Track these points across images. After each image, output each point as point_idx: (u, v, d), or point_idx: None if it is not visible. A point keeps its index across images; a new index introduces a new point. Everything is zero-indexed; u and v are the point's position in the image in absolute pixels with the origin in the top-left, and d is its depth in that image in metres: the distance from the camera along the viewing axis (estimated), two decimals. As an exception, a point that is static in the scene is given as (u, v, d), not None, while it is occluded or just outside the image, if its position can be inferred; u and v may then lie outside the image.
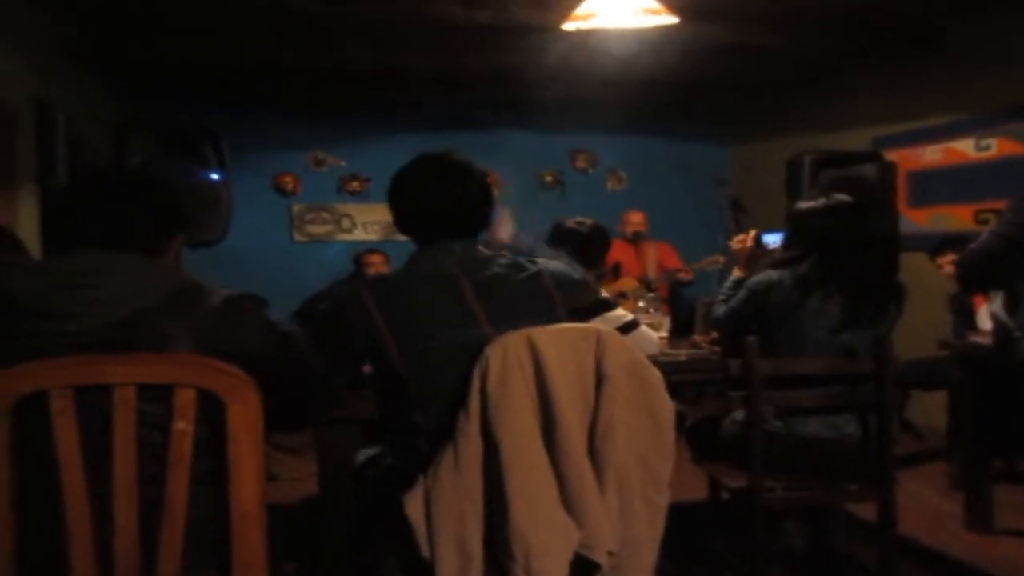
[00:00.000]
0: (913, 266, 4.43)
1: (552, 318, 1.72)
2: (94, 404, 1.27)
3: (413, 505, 1.60)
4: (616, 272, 5.55)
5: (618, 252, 5.58)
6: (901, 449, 3.63)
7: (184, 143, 4.24)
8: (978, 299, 3.88)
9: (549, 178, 6.63)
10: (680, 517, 1.83)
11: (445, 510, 1.57)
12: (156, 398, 1.30)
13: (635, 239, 5.71)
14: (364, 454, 2.04)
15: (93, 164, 3.90)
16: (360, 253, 5.38)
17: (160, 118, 4.84)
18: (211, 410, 1.32)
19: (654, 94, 5.98)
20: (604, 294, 2.64)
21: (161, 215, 1.51)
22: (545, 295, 1.78)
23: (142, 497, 1.29)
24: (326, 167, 6.27)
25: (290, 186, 6.21)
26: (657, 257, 5.69)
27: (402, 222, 1.81)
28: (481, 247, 1.78)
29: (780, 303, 2.37)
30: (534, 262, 1.82)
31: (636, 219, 5.75)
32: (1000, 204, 4.19)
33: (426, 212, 1.76)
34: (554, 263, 1.88)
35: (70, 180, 2.63)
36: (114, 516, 1.27)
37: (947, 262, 4.01)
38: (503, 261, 1.78)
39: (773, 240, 2.89)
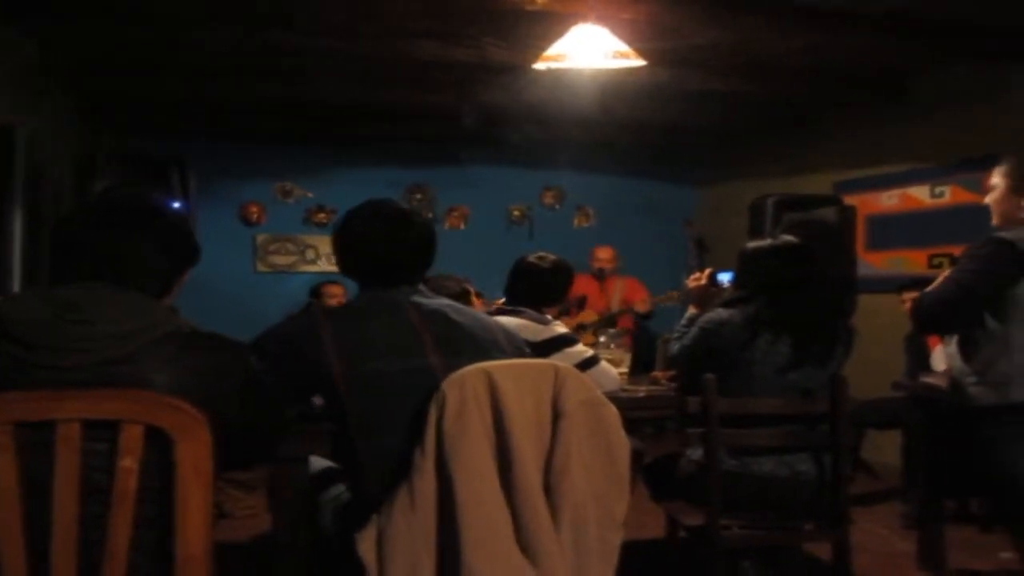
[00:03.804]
0: (871, 307, 4.52)
1: (497, 353, 1.74)
2: (47, 442, 1.22)
3: (366, 544, 1.58)
4: (581, 305, 5.58)
5: (584, 286, 5.62)
6: (856, 488, 3.66)
7: (149, 171, 4.21)
8: (933, 341, 3.96)
9: (517, 213, 6.68)
10: (638, 555, 1.82)
11: (398, 550, 1.55)
12: (107, 438, 1.25)
13: (602, 275, 5.76)
14: (316, 463, 2.03)
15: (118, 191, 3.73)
16: (319, 284, 5.27)
17: (125, 146, 4.81)
18: (162, 454, 1.27)
19: (624, 135, 6.08)
20: (564, 329, 2.66)
21: (176, 251, 1.45)
22: (489, 331, 1.81)
23: (85, 539, 1.24)
24: (293, 198, 6.24)
25: (255, 216, 6.16)
26: (623, 293, 5.73)
27: (348, 266, 1.84)
28: (423, 289, 1.83)
29: (730, 341, 2.39)
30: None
31: (604, 255, 5.83)
32: (952, 249, 4.33)
33: (371, 258, 1.79)
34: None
35: (77, 207, 2.45)
36: (52, 558, 1.23)
37: (909, 298, 4.09)
38: (448, 300, 1.84)
39: (728, 278, 2.95)
